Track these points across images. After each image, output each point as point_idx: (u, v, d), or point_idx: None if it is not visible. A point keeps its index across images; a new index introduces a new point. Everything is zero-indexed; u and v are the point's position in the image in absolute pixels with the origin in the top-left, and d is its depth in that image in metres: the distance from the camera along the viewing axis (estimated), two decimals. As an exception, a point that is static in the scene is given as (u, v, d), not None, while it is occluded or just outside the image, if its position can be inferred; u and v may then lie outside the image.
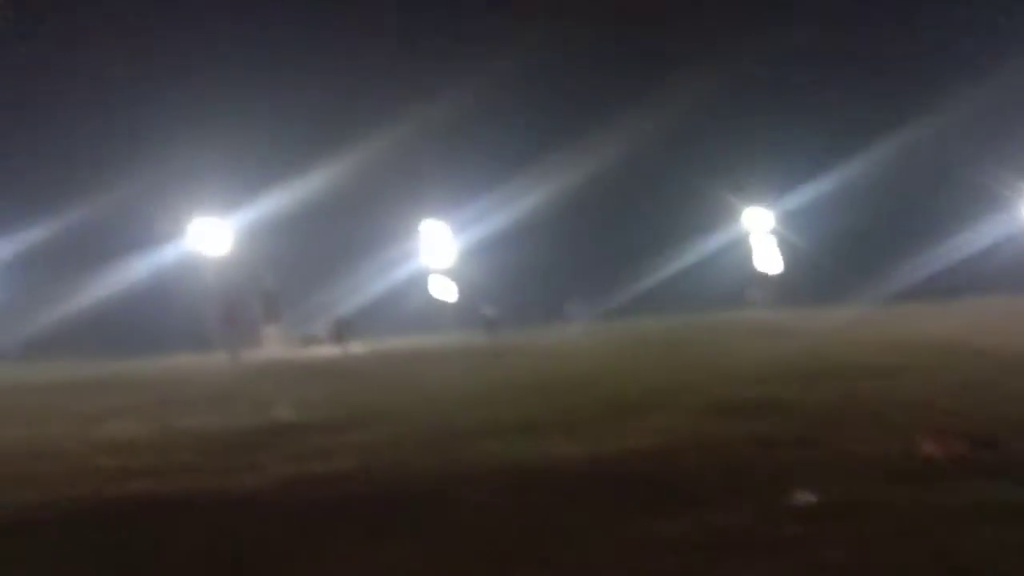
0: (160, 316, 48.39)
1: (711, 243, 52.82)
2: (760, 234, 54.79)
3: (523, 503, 6.80)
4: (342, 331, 29.17)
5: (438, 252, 52.95)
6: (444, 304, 52.80)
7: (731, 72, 52.59)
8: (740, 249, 54.28)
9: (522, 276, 49.94)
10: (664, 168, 53.13)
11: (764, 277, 53.90)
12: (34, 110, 59.53)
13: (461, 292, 52.33)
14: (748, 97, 56.17)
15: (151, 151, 51.30)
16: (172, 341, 42.98)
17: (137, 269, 49.01)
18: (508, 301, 48.00)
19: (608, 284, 49.07)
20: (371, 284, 47.07)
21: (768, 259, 54.15)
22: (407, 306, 49.64)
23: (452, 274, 51.79)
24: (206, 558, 5.82)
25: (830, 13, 51.43)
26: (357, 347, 27.33)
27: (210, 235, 48.17)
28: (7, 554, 6.20)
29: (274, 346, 22.10)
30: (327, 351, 27.76)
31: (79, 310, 46.36)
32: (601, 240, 54.71)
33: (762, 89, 56.12)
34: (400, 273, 50.96)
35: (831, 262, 46.99)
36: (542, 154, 50.51)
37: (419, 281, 53.00)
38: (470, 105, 52.56)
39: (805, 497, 6.47)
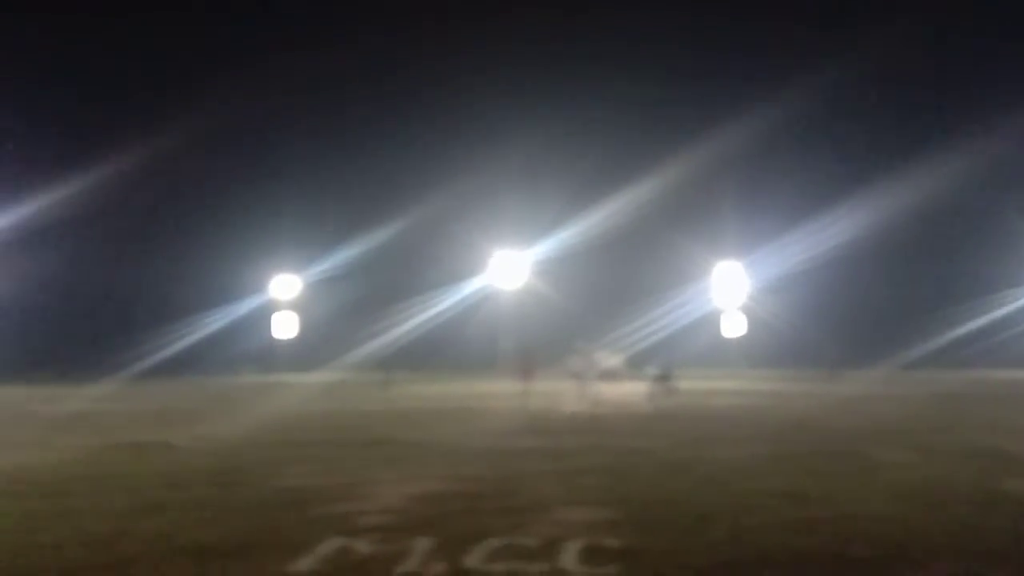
0: (462, 341, 51.83)
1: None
2: None
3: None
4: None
5: (731, 291, 55.51)
6: (733, 341, 55.06)
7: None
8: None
9: (813, 315, 49.37)
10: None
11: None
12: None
13: (750, 329, 54.83)
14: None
15: (459, 188, 53.76)
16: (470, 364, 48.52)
17: (446, 299, 52.80)
18: (798, 340, 48.70)
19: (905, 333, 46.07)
20: (664, 321, 47.67)
21: None
22: (696, 343, 49.65)
23: (743, 311, 55.44)
24: None
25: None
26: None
27: (506, 268, 53.33)
28: None
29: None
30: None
31: (395, 334, 49.04)
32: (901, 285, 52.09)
33: None
34: (692, 311, 52.05)
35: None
36: (838, 196, 49.56)
37: (711, 320, 55.04)
38: (768, 142, 53.95)
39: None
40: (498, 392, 31.00)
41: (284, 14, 69.31)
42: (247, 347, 56.07)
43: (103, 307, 54.05)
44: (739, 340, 56.02)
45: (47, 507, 9.72)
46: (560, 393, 25.70)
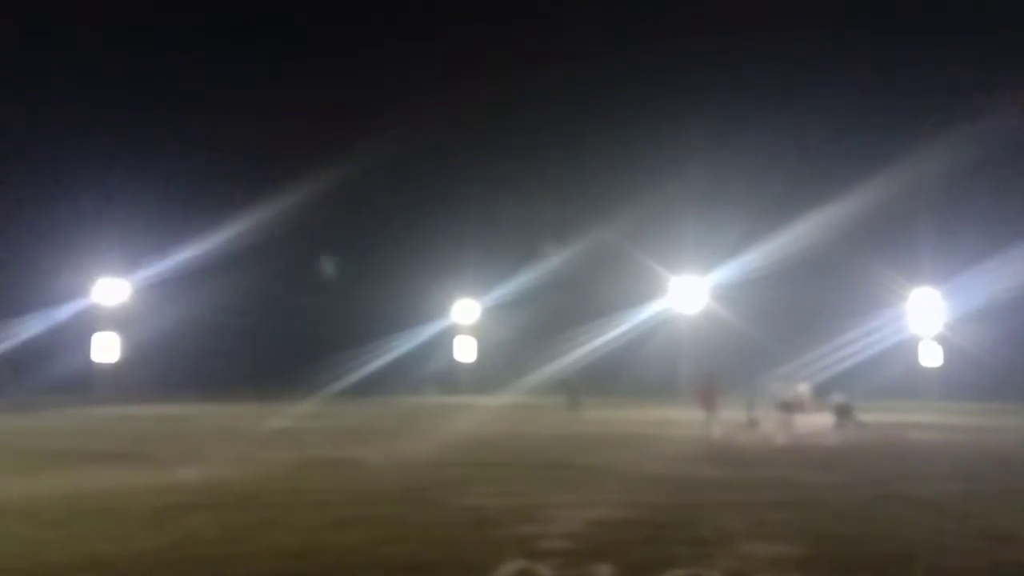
0: (640, 366, 51.15)
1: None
2: None
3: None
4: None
5: (927, 320, 52.26)
6: (929, 372, 51.80)
7: None
8: None
9: (1018, 346, 45.97)
10: None
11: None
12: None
13: (946, 359, 51.53)
14: None
15: (637, 211, 52.04)
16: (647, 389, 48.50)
17: (624, 324, 52.04)
18: (999, 371, 45.40)
19: None
20: (852, 349, 44.48)
21: None
22: (890, 373, 47.07)
23: (939, 341, 51.71)
24: None
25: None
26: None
27: (685, 293, 52.43)
28: None
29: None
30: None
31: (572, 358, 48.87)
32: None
33: None
34: (885, 340, 48.69)
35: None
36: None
37: (906, 349, 51.60)
38: (968, 162, 48.61)
39: None
40: (677, 419, 30.49)
41: (465, 45, 71.34)
42: (430, 369, 57.96)
43: (302, 329, 56.93)
44: (936, 370, 52.54)
45: (245, 520, 10.34)
46: (744, 422, 25.02)
